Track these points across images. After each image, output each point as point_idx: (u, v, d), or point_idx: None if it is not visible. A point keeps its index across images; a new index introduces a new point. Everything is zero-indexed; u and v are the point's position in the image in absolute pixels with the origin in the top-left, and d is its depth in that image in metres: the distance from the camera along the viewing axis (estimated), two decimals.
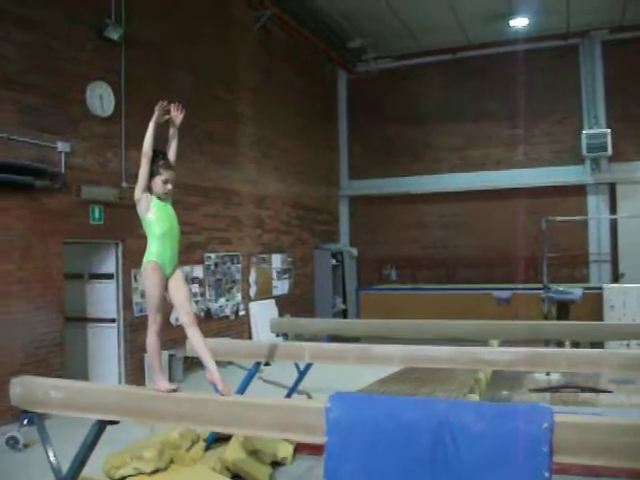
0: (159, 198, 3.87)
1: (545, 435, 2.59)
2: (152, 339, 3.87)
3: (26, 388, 3.86)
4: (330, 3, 12.54)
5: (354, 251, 15.67)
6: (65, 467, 3.67)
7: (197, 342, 3.80)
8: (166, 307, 3.93)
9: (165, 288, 3.85)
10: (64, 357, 7.75)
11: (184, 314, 3.83)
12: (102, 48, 8.38)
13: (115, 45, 8.51)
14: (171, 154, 4.07)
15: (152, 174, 3.85)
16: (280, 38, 13.04)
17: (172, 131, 4.15)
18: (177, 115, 4.14)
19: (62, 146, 7.63)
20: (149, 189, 3.85)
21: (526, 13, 13.02)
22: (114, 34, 8.35)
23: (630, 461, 2.71)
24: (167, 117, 4.06)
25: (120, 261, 8.66)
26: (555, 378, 8.43)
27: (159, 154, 3.94)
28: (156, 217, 3.83)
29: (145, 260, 3.79)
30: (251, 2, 11.66)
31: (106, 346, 8.66)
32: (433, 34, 14.17)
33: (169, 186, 3.89)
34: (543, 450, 2.58)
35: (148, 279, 3.79)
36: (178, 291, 3.87)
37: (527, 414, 2.66)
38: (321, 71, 15.23)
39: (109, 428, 3.70)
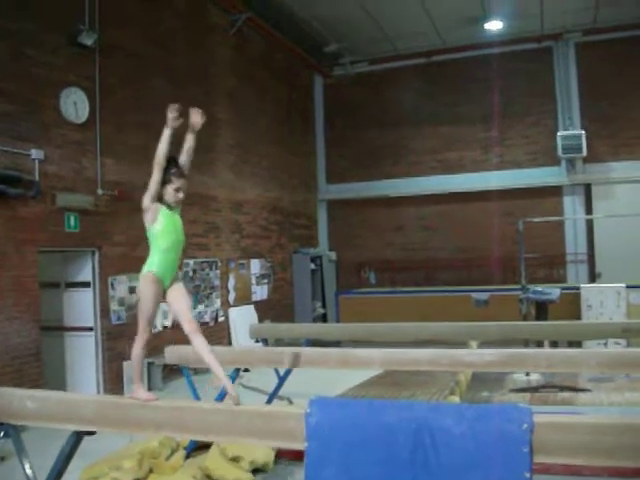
0: (169, 207, 3.80)
1: (525, 436, 2.59)
2: (138, 350, 3.81)
3: (1, 399, 3.78)
4: (305, 8, 12.54)
5: (333, 255, 15.67)
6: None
7: (202, 349, 3.69)
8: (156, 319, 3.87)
9: (162, 298, 3.79)
10: (41, 367, 7.64)
11: (186, 322, 3.72)
12: (76, 54, 8.30)
13: (89, 51, 8.44)
14: (186, 161, 3.97)
15: (163, 182, 3.76)
16: (256, 43, 13.02)
17: (189, 137, 4.07)
18: (197, 120, 4.08)
19: (36, 153, 7.53)
20: (159, 197, 3.76)
21: (500, 16, 13.12)
22: (88, 40, 8.28)
23: (610, 460, 2.72)
24: (180, 121, 3.91)
25: (97, 269, 8.58)
26: (535, 378, 8.48)
27: (171, 161, 3.85)
28: (163, 228, 3.77)
29: (146, 269, 3.71)
30: (225, 7, 11.61)
31: (84, 355, 8.56)
32: (409, 38, 14.23)
33: (181, 195, 3.82)
34: (523, 451, 2.58)
35: (145, 289, 3.71)
36: (179, 300, 3.80)
37: (506, 415, 2.66)
38: (298, 75, 15.23)
39: (88, 439, 3.65)
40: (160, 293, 3.73)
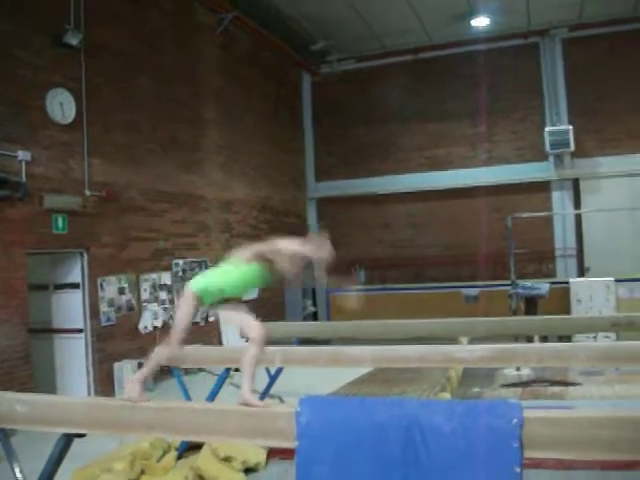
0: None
1: (515, 431, 2.59)
2: (163, 351, 3.72)
3: None
4: (292, 5, 12.52)
5: None
6: None
7: (247, 359, 3.57)
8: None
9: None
10: (31, 370, 7.60)
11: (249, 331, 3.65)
12: (62, 55, 8.25)
13: (75, 51, 8.40)
14: None
15: None
16: (243, 41, 12.99)
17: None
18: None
19: (23, 155, 7.50)
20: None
21: (487, 13, 13.14)
22: (74, 40, 8.23)
23: (601, 453, 2.72)
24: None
25: (85, 270, 8.54)
26: (525, 373, 8.51)
27: None
28: (243, 273, 3.81)
29: (196, 286, 3.71)
30: (212, 6, 11.57)
31: (74, 357, 8.52)
32: (395, 35, 14.24)
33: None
34: (513, 446, 2.58)
35: (186, 304, 3.69)
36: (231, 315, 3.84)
37: (496, 410, 2.67)
38: (285, 74, 15.21)
39: (79, 441, 3.63)
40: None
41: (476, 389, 7.89)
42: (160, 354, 3.73)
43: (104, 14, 9.03)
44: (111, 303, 8.84)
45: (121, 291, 9.07)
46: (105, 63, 9.03)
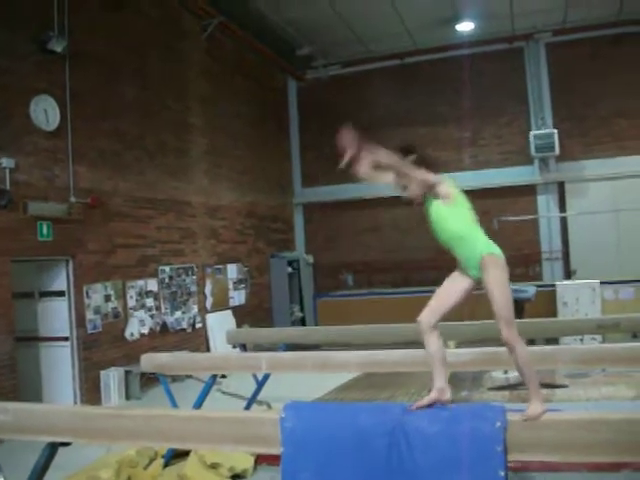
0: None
1: (499, 434, 2.60)
2: (525, 349, 3.22)
3: None
4: (277, 11, 12.52)
5: (310, 258, 15.65)
6: None
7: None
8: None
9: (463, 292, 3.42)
10: (16, 379, 7.54)
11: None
12: (46, 61, 8.20)
13: (59, 58, 8.34)
14: None
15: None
16: (229, 47, 12.99)
17: None
18: None
19: (6, 162, 7.44)
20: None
21: (471, 18, 13.21)
22: (58, 46, 8.18)
23: (585, 456, 2.74)
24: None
25: (71, 278, 8.49)
26: (513, 376, 8.52)
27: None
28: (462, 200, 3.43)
29: (488, 250, 3.30)
30: (197, 12, 11.56)
31: (60, 365, 8.46)
32: (381, 40, 14.27)
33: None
34: (497, 449, 2.59)
35: (504, 274, 3.27)
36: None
37: (480, 414, 2.68)
38: (271, 79, 15.22)
39: (65, 450, 3.61)
40: None
41: (464, 392, 7.90)
42: (524, 354, 3.20)
43: (89, 21, 8.99)
44: (97, 310, 8.79)
45: (107, 298, 9.02)
46: (90, 69, 8.99)
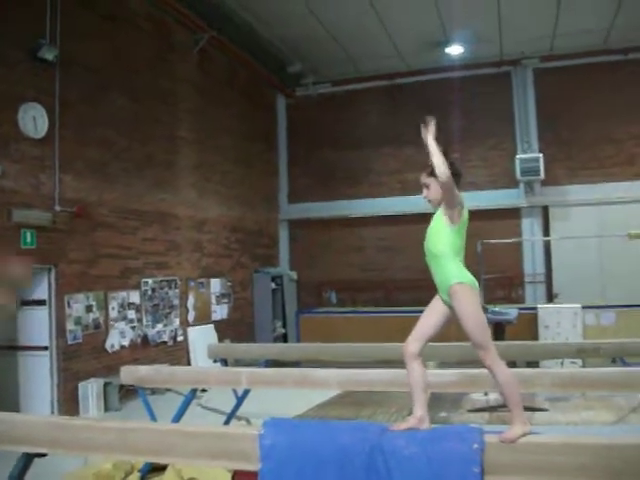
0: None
1: (476, 456, 2.61)
2: (505, 371, 3.21)
3: None
4: (269, 28, 12.62)
5: (294, 275, 15.64)
6: None
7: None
8: None
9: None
10: None
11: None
12: (36, 69, 8.21)
13: (50, 66, 8.36)
14: None
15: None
16: (220, 62, 13.04)
17: None
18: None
19: None
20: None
21: (461, 42, 13.38)
22: (49, 55, 8.20)
23: (562, 479, 2.74)
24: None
25: (53, 287, 8.43)
26: (493, 398, 8.53)
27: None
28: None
29: (458, 279, 3.27)
30: (189, 26, 11.61)
31: (38, 375, 8.37)
32: (371, 60, 14.41)
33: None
34: (474, 471, 2.59)
35: (474, 300, 3.26)
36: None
37: (457, 435, 2.68)
38: (261, 95, 15.27)
39: (42, 461, 3.56)
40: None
41: (443, 414, 7.89)
42: (508, 375, 3.22)
43: (81, 30, 9.01)
44: (78, 321, 8.72)
45: (89, 309, 8.96)
46: (80, 79, 8.99)
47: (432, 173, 3.45)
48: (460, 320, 3.22)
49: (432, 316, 3.42)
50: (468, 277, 3.27)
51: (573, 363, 10.05)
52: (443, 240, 3.33)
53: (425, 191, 3.51)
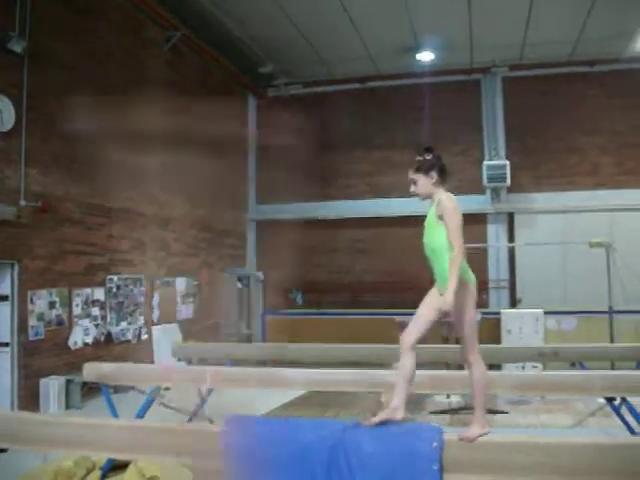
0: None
1: (435, 453, 2.66)
2: (482, 370, 3.44)
3: None
4: (242, 27, 12.60)
5: (261, 275, 15.62)
6: None
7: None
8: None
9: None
10: None
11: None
12: (4, 61, 8.08)
13: (18, 58, 8.24)
14: None
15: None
16: (191, 60, 12.98)
17: None
18: None
19: None
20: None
21: (432, 48, 13.52)
22: (17, 47, 8.10)
23: (518, 477, 2.81)
24: None
25: (16, 282, 8.29)
26: (455, 400, 8.65)
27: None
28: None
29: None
30: (161, 22, 11.54)
31: None
32: (343, 63, 14.48)
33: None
34: (433, 468, 2.65)
35: (470, 296, 3.46)
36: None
37: (417, 434, 2.73)
38: (232, 94, 15.22)
39: (1, 458, 3.53)
40: None
41: (407, 415, 7.96)
42: (483, 373, 3.44)
43: (51, 23, 8.90)
44: (41, 317, 8.61)
45: (52, 305, 8.85)
46: (49, 72, 8.87)
47: (418, 169, 3.67)
48: (456, 311, 3.31)
49: (428, 310, 3.50)
50: (468, 274, 3.38)
51: (534, 367, 10.24)
52: (437, 235, 3.44)
53: (413, 186, 3.71)
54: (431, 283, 3.70)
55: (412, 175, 3.72)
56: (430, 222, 3.59)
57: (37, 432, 3.45)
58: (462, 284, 3.38)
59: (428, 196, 3.64)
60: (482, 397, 3.33)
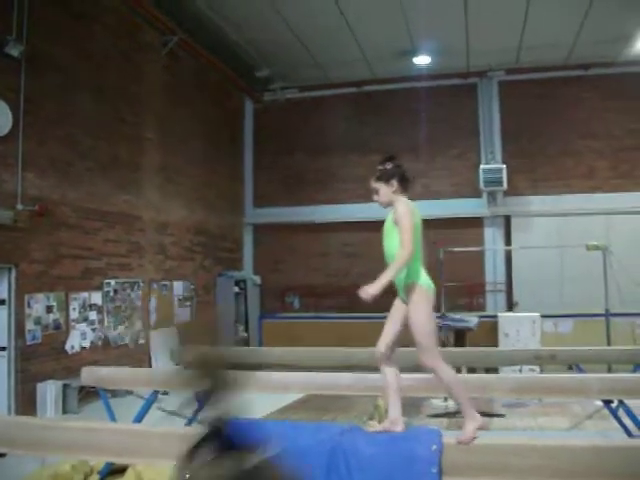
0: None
1: (434, 457, 2.67)
2: (447, 371, 3.48)
3: None
4: (239, 31, 12.62)
5: (258, 279, 15.61)
6: None
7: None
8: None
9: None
10: None
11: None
12: (1, 65, 8.08)
13: (15, 62, 8.24)
14: None
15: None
16: (188, 64, 12.98)
17: None
18: None
19: None
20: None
21: (429, 52, 13.55)
22: (15, 51, 8.10)
23: (515, 479, 2.82)
24: None
25: (13, 286, 8.28)
26: (452, 404, 8.64)
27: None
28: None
29: (415, 279, 3.54)
30: (158, 26, 11.55)
31: None
32: (340, 67, 14.49)
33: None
34: (432, 471, 2.66)
35: (427, 303, 3.51)
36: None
37: (417, 437, 2.74)
38: (229, 98, 15.25)
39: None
40: None
41: (404, 418, 7.96)
42: (451, 375, 3.52)
43: (48, 27, 8.90)
44: (38, 321, 8.60)
45: (49, 309, 8.84)
46: (46, 76, 8.88)
47: (379, 178, 3.78)
48: (408, 318, 3.35)
49: (395, 319, 3.53)
50: (424, 278, 3.40)
51: (531, 370, 10.25)
52: (394, 241, 3.47)
53: (375, 195, 3.82)
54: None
55: (374, 184, 3.82)
56: (388, 228, 3.69)
57: (35, 436, 3.45)
58: (412, 287, 3.45)
59: (390, 204, 3.73)
60: (462, 394, 3.37)
